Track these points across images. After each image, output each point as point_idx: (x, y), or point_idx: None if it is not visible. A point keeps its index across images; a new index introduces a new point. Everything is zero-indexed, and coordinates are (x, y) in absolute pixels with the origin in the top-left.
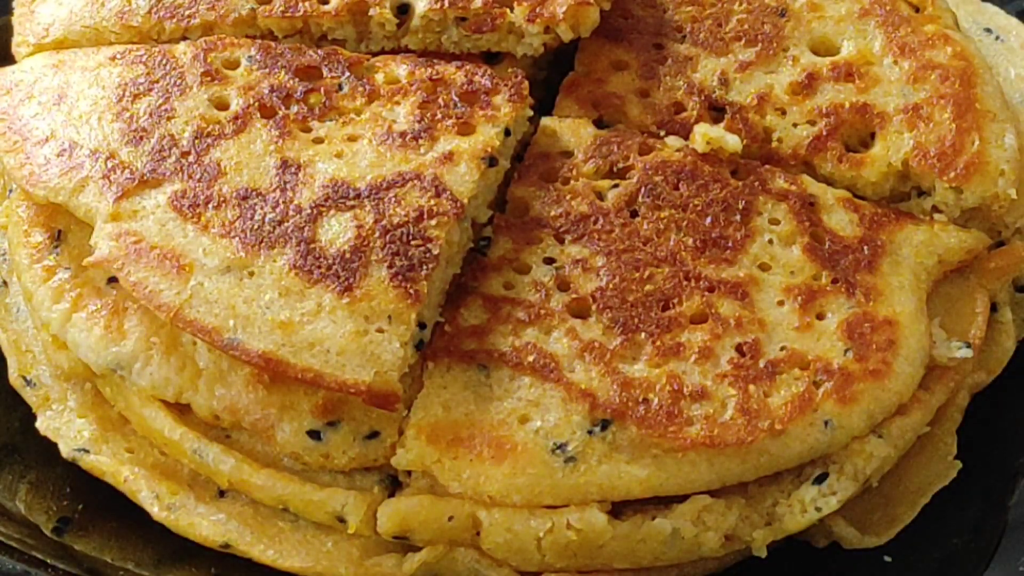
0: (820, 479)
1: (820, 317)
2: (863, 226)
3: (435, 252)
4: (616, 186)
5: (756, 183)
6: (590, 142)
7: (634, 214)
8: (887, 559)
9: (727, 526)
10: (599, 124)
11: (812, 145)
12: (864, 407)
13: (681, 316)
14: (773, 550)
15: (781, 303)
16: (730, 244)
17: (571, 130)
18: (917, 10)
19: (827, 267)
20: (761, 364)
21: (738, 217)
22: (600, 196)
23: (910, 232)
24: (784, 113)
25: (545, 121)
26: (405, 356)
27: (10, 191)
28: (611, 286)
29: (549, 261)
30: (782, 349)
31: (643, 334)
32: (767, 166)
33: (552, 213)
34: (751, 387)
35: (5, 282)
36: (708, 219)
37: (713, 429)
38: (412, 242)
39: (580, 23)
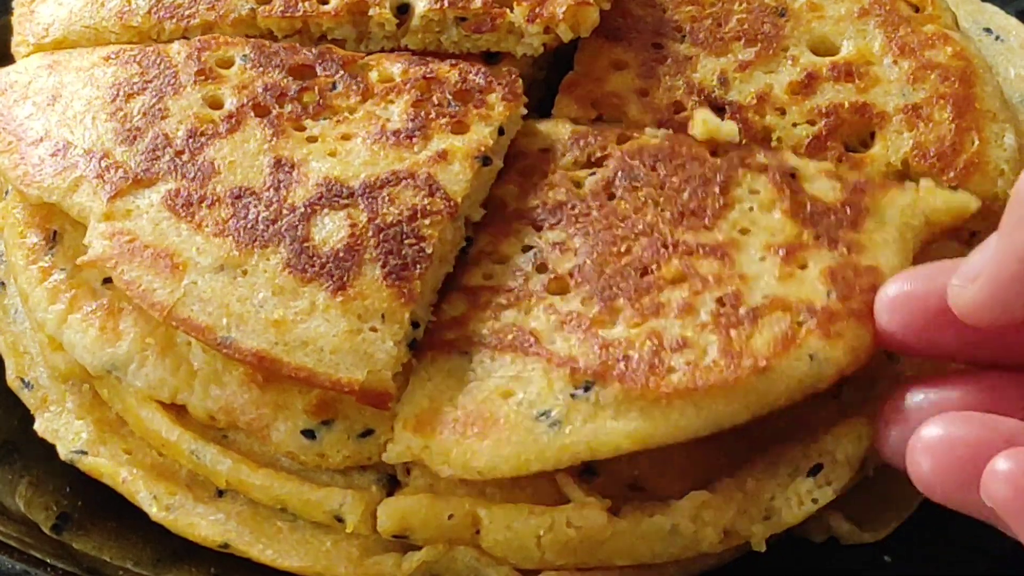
0: (814, 470)
1: (802, 267)
2: (846, 191)
3: (428, 251)
4: (593, 173)
5: (735, 159)
6: (567, 137)
7: (611, 197)
8: (887, 559)
9: (725, 521)
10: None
11: (812, 145)
12: (848, 343)
13: (660, 279)
14: (772, 547)
15: (763, 259)
16: (708, 213)
17: (550, 128)
18: (917, 10)
19: (808, 226)
20: (742, 311)
21: (717, 189)
22: (577, 184)
23: (894, 195)
24: (784, 113)
25: (526, 123)
26: (398, 355)
27: (6, 193)
28: (588, 262)
29: (527, 248)
30: (764, 297)
31: (622, 299)
32: (746, 143)
33: (530, 205)
34: (732, 332)
35: (2, 283)
36: (686, 193)
37: (695, 374)
38: (406, 241)
39: (580, 23)
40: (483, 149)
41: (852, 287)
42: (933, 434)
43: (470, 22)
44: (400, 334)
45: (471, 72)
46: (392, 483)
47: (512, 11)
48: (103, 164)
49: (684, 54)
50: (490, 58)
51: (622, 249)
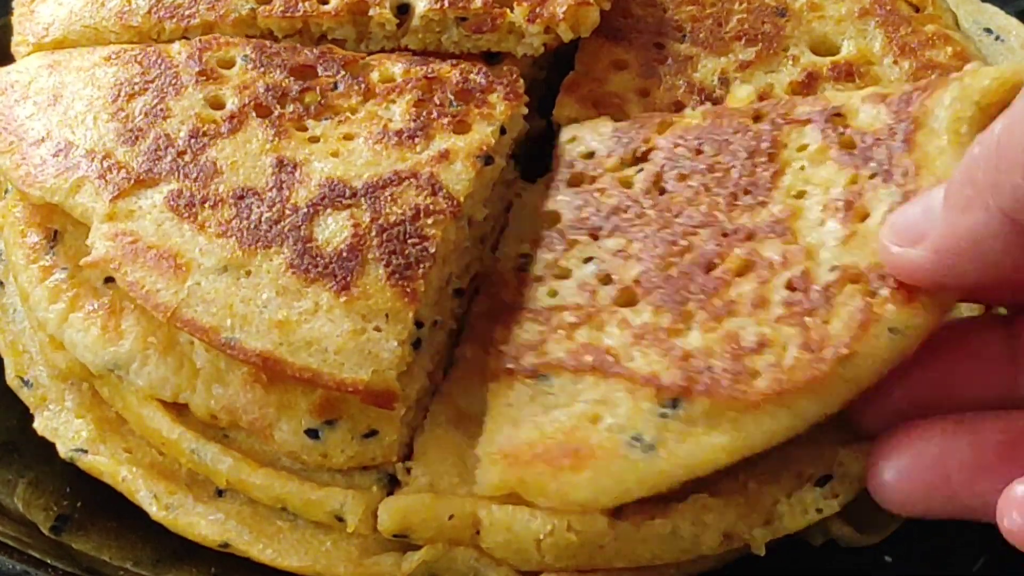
0: (823, 481)
1: (863, 219)
2: (891, 111)
3: (432, 250)
4: (641, 170)
5: (777, 118)
6: (610, 136)
7: (663, 191)
8: (887, 559)
9: (726, 524)
10: None
11: None
12: (925, 302)
13: (726, 273)
14: (771, 546)
15: (822, 222)
16: (762, 185)
17: (591, 130)
18: (917, 10)
19: (862, 166)
20: (814, 294)
21: (765, 158)
22: (627, 184)
23: (940, 95)
24: None
25: (567, 130)
26: (403, 355)
27: (6, 191)
28: (652, 266)
29: (588, 260)
30: (832, 270)
31: (692, 303)
32: (787, 97)
33: (583, 215)
34: (807, 320)
35: (2, 282)
36: (735, 171)
37: (780, 376)
38: (409, 241)
39: (580, 23)
40: (485, 148)
41: None
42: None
43: (470, 22)
44: (404, 334)
45: (472, 72)
46: (392, 483)
47: (512, 11)
48: (105, 164)
49: (685, 54)
50: (491, 58)
51: (683, 246)
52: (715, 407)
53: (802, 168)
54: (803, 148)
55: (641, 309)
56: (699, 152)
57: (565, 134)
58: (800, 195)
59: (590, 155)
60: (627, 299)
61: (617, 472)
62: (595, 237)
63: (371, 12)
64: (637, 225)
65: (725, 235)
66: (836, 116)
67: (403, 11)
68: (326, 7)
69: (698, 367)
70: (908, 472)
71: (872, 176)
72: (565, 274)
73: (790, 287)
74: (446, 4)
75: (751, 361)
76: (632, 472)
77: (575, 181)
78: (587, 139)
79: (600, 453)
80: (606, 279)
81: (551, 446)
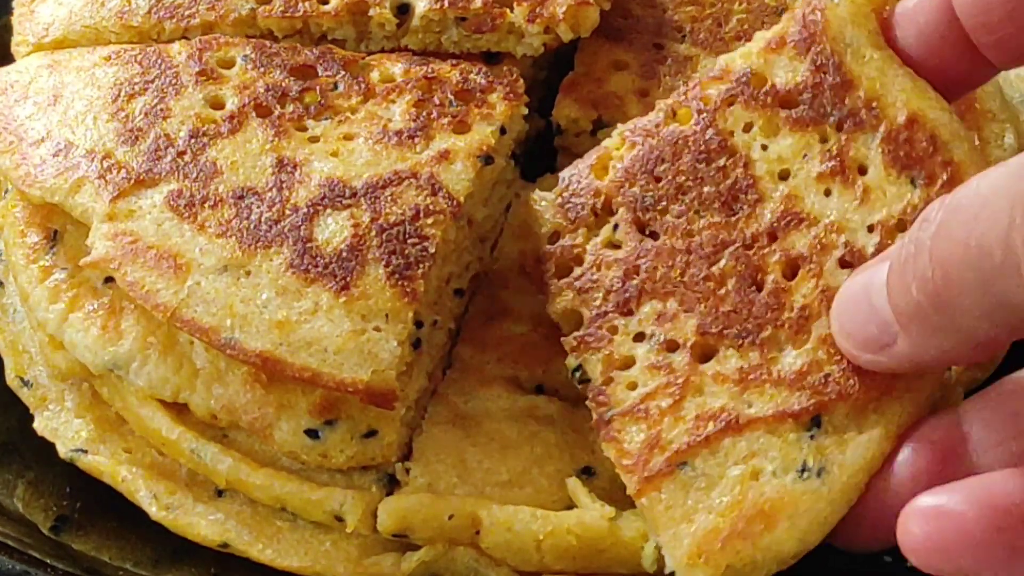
0: None
1: (863, 171)
2: (802, 55)
3: (432, 250)
4: (616, 227)
5: (702, 109)
6: (555, 211)
7: (655, 236)
8: (887, 559)
9: None
10: (598, 124)
11: None
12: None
13: (778, 283)
14: None
15: (828, 193)
16: (741, 184)
17: (542, 206)
18: None
19: (822, 121)
20: (871, 257)
21: (723, 156)
22: (615, 246)
23: (833, 20)
24: None
25: (512, 219)
26: (403, 354)
27: (6, 191)
28: (705, 310)
29: (640, 337)
30: (871, 231)
31: (768, 327)
32: (682, 86)
33: (598, 302)
34: None
35: (1, 283)
36: (707, 183)
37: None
38: (408, 240)
39: (580, 23)
40: (485, 148)
41: (920, 159)
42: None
43: (470, 22)
44: (404, 333)
45: (472, 72)
46: (391, 483)
47: (512, 11)
48: (105, 165)
49: (684, 54)
50: (490, 58)
51: (717, 277)
52: (855, 408)
53: (764, 148)
54: (748, 127)
55: (724, 356)
56: (657, 180)
57: (509, 226)
58: (784, 175)
59: (555, 236)
60: (705, 353)
61: (807, 508)
62: (629, 312)
63: (371, 12)
64: (659, 280)
65: (748, 247)
66: (752, 79)
67: (403, 11)
68: (326, 7)
69: (817, 381)
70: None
71: (839, 126)
72: (629, 363)
73: (845, 264)
74: (446, 4)
75: None
76: (820, 500)
77: (563, 271)
78: (542, 217)
79: (783, 502)
80: (672, 346)
81: (735, 521)
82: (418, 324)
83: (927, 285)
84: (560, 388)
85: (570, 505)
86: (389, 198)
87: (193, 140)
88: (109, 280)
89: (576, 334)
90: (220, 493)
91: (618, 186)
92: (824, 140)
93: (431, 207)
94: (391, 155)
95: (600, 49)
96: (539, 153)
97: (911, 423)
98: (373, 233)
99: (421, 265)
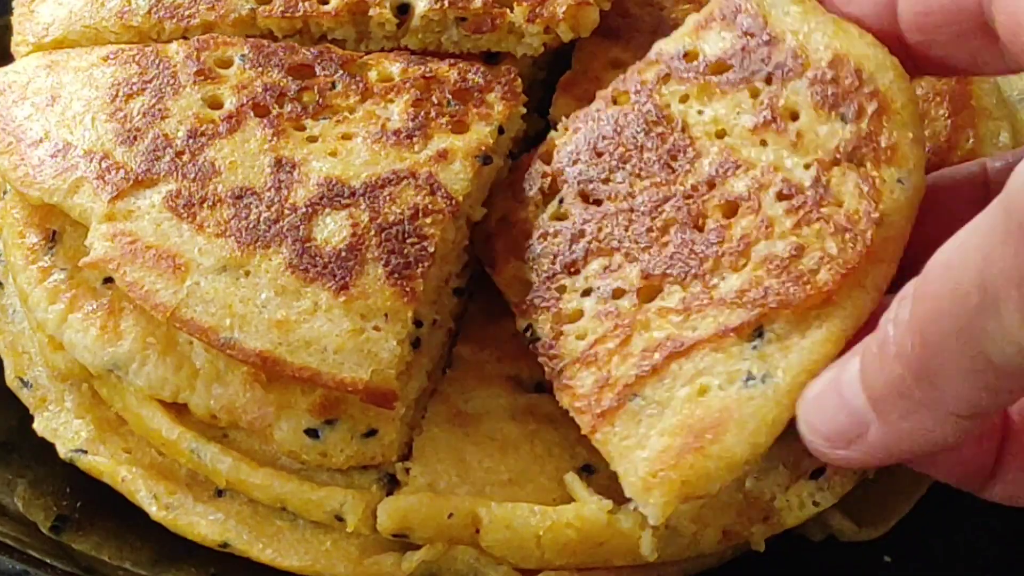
0: (817, 474)
1: (795, 118)
2: (729, 25)
3: (431, 250)
4: (562, 200)
5: (640, 89)
6: (506, 194)
7: (599, 203)
8: (887, 559)
9: (725, 522)
10: None
11: None
12: (904, 150)
13: (718, 222)
14: (771, 546)
15: (764, 143)
16: (681, 146)
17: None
18: None
19: (752, 79)
20: (809, 190)
21: (662, 125)
22: (563, 218)
23: None
24: None
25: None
26: (402, 354)
27: (5, 192)
28: (649, 257)
29: (587, 292)
30: (808, 167)
31: (709, 259)
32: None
33: (547, 263)
34: (823, 211)
35: (0, 283)
36: (648, 150)
37: (835, 263)
38: (407, 240)
39: (580, 23)
40: (484, 148)
41: (848, 96)
42: None
43: (470, 22)
44: (403, 333)
45: (470, 71)
46: (392, 483)
47: (512, 11)
48: (103, 165)
49: None
50: (490, 58)
51: (660, 225)
52: (796, 314)
53: (700, 112)
54: (685, 98)
55: (669, 292)
56: (600, 154)
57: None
58: (720, 135)
59: (504, 219)
60: (650, 294)
61: (754, 414)
62: (576, 272)
63: (371, 12)
64: (603, 240)
65: (689, 197)
66: (685, 57)
67: (403, 11)
68: (326, 7)
69: (758, 295)
70: None
71: (768, 80)
72: (577, 316)
73: (783, 197)
74: (446, 4)
75: (800, 265)
76: (765, 405)
77: (512, 245)
78: (492, 201)
79: (729, 410)
80: (618, 293)
81: (685, 437)
82: (417, 323)
83: (906, 352)
84: None
85: (571, 503)
86: (388, 198)
87: (191, 140)
88: (108, 280)
89: (526, 298)
90: (220, 493)
91: (563, 167)
92: (755, 95)
93: (430, 207)
94: (389, 155)
95: (598, 48)
96: None
97: (855, 328)
98: (372, 233)
99: (420, 265)
